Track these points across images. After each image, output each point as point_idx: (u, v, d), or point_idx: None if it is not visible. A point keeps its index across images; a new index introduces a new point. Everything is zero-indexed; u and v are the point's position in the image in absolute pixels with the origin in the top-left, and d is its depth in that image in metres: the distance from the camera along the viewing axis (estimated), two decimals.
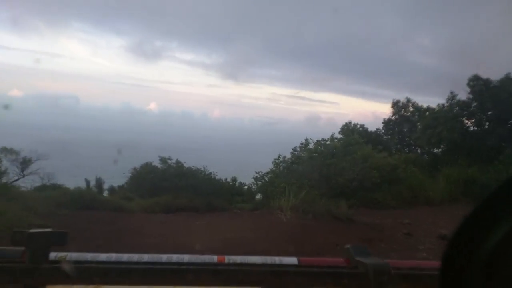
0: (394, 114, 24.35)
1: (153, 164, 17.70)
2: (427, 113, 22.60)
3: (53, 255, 1.15)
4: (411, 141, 23.65)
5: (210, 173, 17.82)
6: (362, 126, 24.11)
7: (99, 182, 17.71)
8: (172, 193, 15.32)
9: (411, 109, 24.05)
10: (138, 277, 1.10)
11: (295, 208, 10.63)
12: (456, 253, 0.62)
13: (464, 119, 20.94)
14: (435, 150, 22.36)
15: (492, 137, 19.78)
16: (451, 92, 21.33)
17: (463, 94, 20.95)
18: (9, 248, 1.16)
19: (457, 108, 20.83)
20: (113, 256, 1.17)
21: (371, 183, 15.57)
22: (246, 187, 18.45)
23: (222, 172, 18.63)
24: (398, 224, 11.26)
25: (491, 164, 18.48)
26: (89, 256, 1.17)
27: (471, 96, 20.58)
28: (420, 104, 24.02)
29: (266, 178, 17.02)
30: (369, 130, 24.10)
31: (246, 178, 18.36)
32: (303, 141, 17.68)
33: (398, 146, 23.87)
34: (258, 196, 16.89)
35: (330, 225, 9.81)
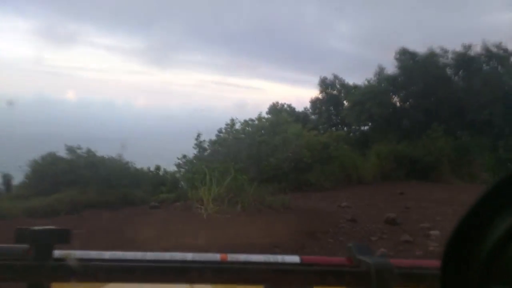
0: (321, 92, 23.64)
1: (58, 154, 15.31)
2: (353, 90, 22.11)
3: (56, 253, 1.08)
4: (338, 120, 23.17)
5: (127, 162, 15.88)
6: (289, 106, 23.76)
7: (7, 179, 15.13)
8: (81, 188, 13.25)
9: (338, 86, 23.46)
10: (142, 275, 1.08)
11: (220, 198, 8.93)
12: (456, 251, 0.59)
13: (391, 94, 20.69)
14: (363, 128, 22.07)
15: (418, 112, 19.70)
16: (379, 66, 20.95)
17: (391, 69, 20.69)
18: (13, 246, 1.08)
19: (386, 82, 20.48)
20: (117, 254, 1.12)
21: (304, 164, 14.59)
22: (169, 175, 16.79)
23: (150, 162, 17.04)
24: (338, 209, 10.17)
25: (419, 139, 18.41)
26: (93, 254, 1.12)
27: (398, 71, 20.31)
28: (346, 81, 23.54)
29: (188, 163, 15.40)
30: (297, 110, 23.70)
31: (174, 167, 16.77)
32: (229, 122, 16.20)
33: (325, 125, 23.28)
34: (182, 185, 15.30)
35: (263, 217, 8.24)
